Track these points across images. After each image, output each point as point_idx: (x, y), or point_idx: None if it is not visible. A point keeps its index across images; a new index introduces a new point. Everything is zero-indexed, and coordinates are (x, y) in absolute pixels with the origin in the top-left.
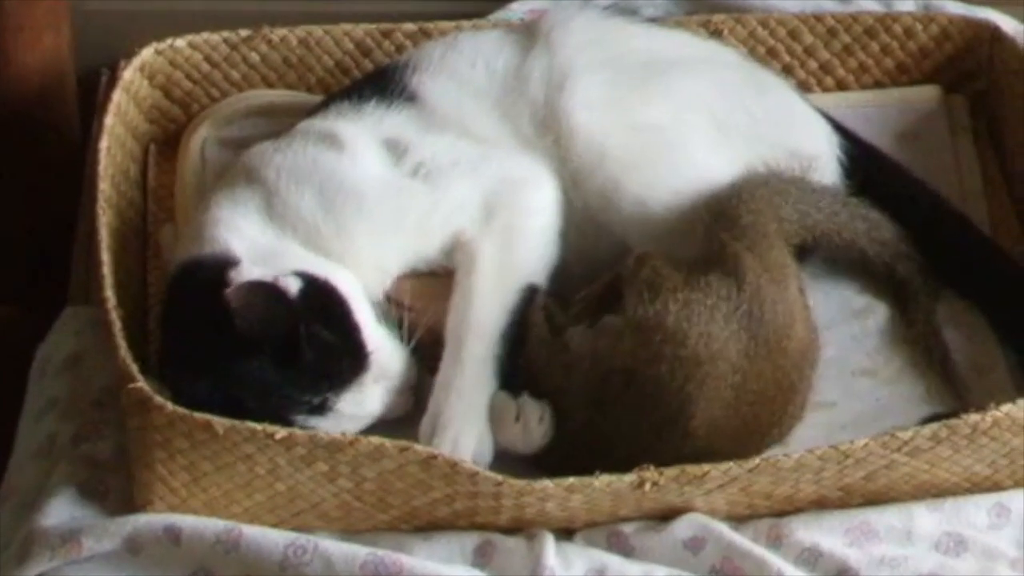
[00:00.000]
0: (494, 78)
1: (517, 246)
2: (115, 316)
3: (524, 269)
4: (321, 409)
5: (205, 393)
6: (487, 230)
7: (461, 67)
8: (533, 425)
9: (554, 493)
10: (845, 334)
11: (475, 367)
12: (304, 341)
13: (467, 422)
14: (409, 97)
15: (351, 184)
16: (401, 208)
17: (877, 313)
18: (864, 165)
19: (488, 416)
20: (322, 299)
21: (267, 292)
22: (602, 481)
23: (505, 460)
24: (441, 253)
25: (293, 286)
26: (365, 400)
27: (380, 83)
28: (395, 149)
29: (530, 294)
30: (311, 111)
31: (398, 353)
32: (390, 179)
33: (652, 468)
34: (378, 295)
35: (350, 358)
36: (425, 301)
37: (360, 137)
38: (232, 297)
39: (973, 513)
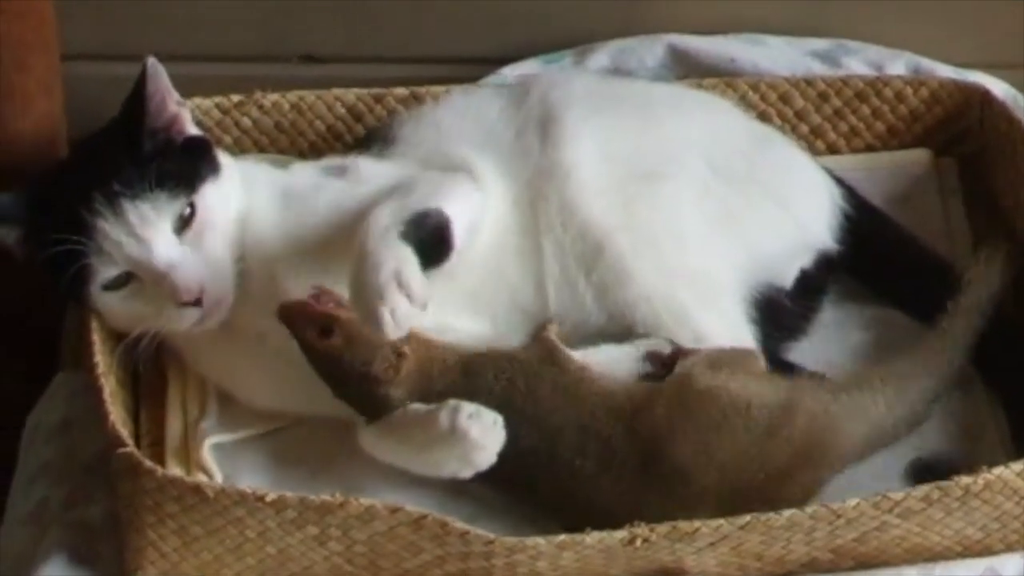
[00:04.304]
0: (480, 127)
1: (418, 192)
2: (104, 382)
3: (425, 200)
4: (111, 201)
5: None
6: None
7: (447, 117)
8: (477, 434)
9: (545, 550)
10: None
11: (387, 236)
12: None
13: (384, 272)
14: (386, 141)
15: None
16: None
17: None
18: (867, 220)
19: (408, 435)
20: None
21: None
22: (593, 537)
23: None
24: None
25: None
26: (154, 228)
27: (375, 135)
28: (338, 170)
29: (440, 218)
30: None
31: (215, 260)
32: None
33: (643, 525)
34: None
35: (176, 190)
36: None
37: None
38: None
39: None
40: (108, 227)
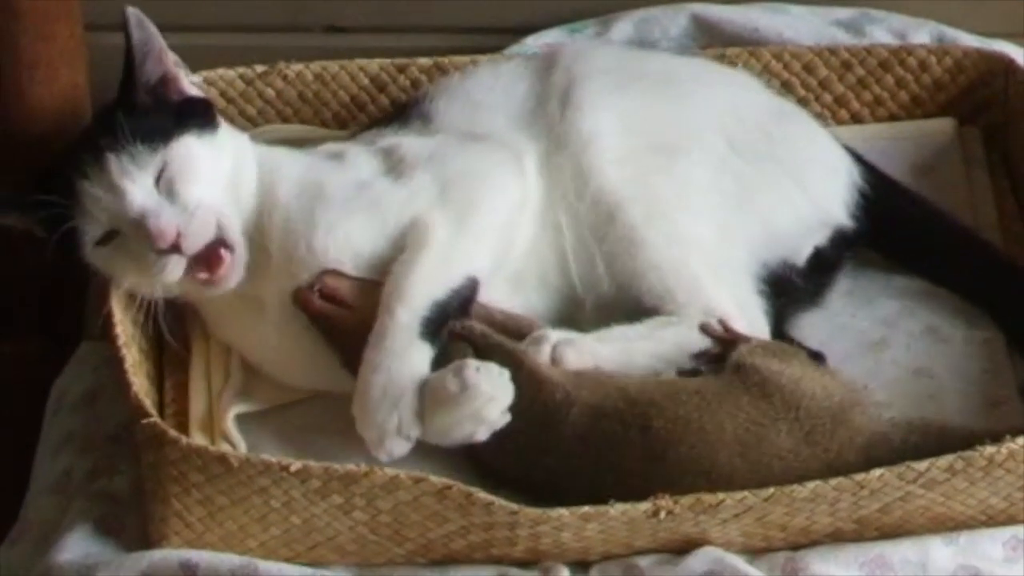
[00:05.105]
0: (511, 100)
1: (468, 234)
2: (126, 352)
3: (472, 258)
4: (96, 157)
5: None
6: (442, 215)
7: (477, 91)
8: (488, 387)
9: (569, 522)
10: (861, 367)
11: (401, 338)
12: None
13: (387, 401)
14: (424, 119)
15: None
16: (363, 198)
17: (893, 346)
18: (886, 197)
19: (424, 396)
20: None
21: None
22: (617, 509)
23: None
24: (395, 244)
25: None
26: (131, 179)
27: (401, 112)
28: (388, 155)
29: (471, 287)
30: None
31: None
32: (367, 176)
33: (667, 497)
34: None
35: (155, 135)
36: (361, 300)
37: (359, 149)
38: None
39: (988, 546)
40: (89, 185)
